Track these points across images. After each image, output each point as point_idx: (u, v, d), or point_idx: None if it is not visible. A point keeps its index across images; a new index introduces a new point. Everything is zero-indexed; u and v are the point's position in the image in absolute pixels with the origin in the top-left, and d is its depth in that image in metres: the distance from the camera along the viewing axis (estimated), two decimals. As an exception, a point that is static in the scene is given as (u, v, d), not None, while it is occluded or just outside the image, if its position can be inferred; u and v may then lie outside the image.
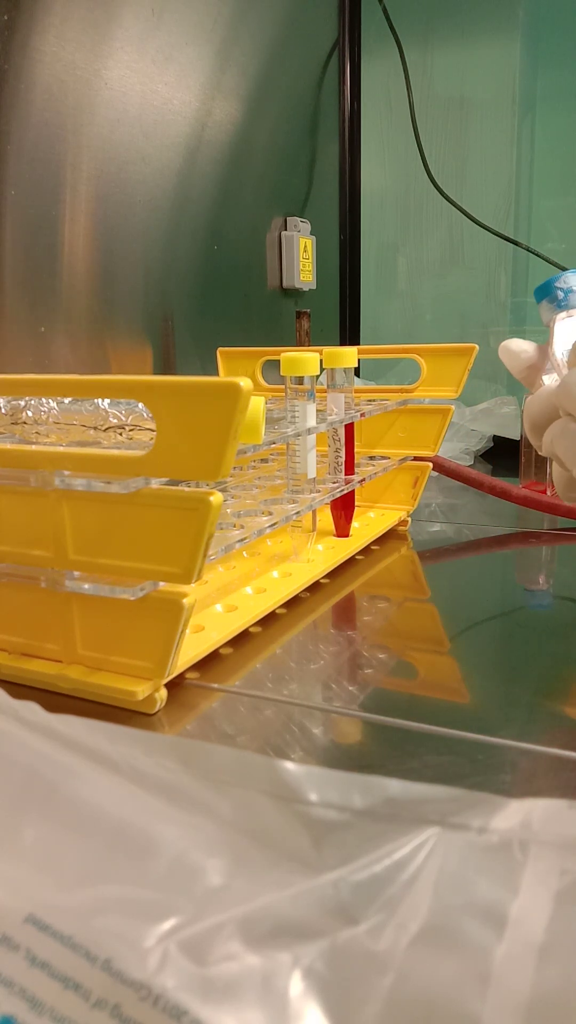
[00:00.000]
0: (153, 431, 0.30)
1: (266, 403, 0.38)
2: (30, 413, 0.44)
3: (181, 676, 0.37)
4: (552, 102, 1.14)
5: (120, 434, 0.42)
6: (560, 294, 0.37)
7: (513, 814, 0.18)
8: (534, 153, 1.16)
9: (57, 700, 0.35)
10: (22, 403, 0.44)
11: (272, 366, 0.58)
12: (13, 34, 0.60)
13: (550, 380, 0.37)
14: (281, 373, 0.48)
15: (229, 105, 0.88)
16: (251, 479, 0.57)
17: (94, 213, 0.70)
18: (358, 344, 1.15)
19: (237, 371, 0.69)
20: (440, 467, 0.67)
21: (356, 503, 0.58)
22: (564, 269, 1.04)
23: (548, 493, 0.70)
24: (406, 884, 0.17)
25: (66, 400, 0.44)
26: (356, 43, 1.14)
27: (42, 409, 0.44)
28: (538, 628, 0.45)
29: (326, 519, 0.57)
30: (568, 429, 0.33)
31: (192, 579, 0.31)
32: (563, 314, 0.37)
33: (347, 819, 0.19)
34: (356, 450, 0.58)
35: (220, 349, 0.70)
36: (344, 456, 0.55)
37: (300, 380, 0.47)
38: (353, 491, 0.55)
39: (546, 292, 0.37)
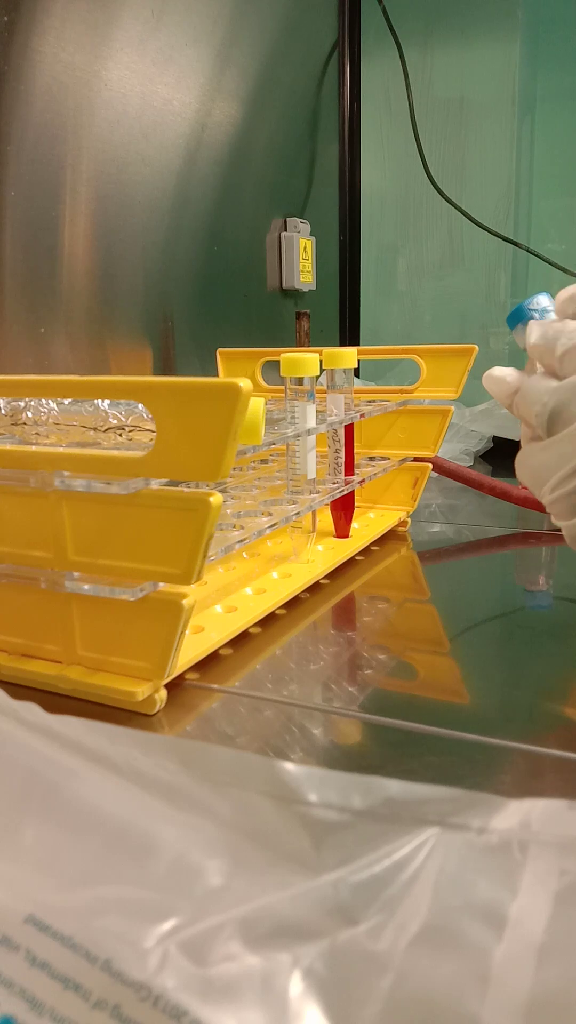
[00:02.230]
0: (153, 432, 0.30)
1: (266, 404, 0.38)
2: (30, 414, 0.44)
3: (181, 677, 0.37)
4: (552, 103, 1.14)
5: (120, 435, 0.42)
6: (536, 315, 0.37)
7: (512, 814, 0.18)
8: (534, 154, 1.16)
9: (57, 701, 0.35)
10: (22, 404, 0.44)
11: (272, 367, 0.58)
12: (13, 35, 0.60)
13: None
14: (281, 374, 0.48)
15: (229, 106, 0.88)
16: (251, 480, 0.57)
17: (94, 214, 0.70)
18: (358, 345, 1.15)
19: (237, 372, 0.69)
20: (440, 468, 0.67)
21: (356, 504, 0.59)
22: (564, 270, 1.04)
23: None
24: (406, 884, 0.17)
25: (66, 401, 0.44)
26: (356, 44, 1.14)
27: (42, 410, 0.44)
28: (538, 629, 0.45)
29: (326, 520, 0.57)
30: (528, 452, 0.33)
31: (192, 580, 0.31)
32: None
33: (347, 820, 0.19)
34: (356, 451, 0.58)
35: (220, 350, 0.70)
36: (344, 457, 0.55)
37: (300, 381, 0.47)
38: (353, 492, 0.55)
39: (520, 317, 0.37)
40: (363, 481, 0.55)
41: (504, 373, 0.37)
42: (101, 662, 0.35)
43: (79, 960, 0.16)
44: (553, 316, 0.37)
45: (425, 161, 1.07)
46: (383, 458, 0.62)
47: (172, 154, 0.80)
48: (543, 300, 0.37)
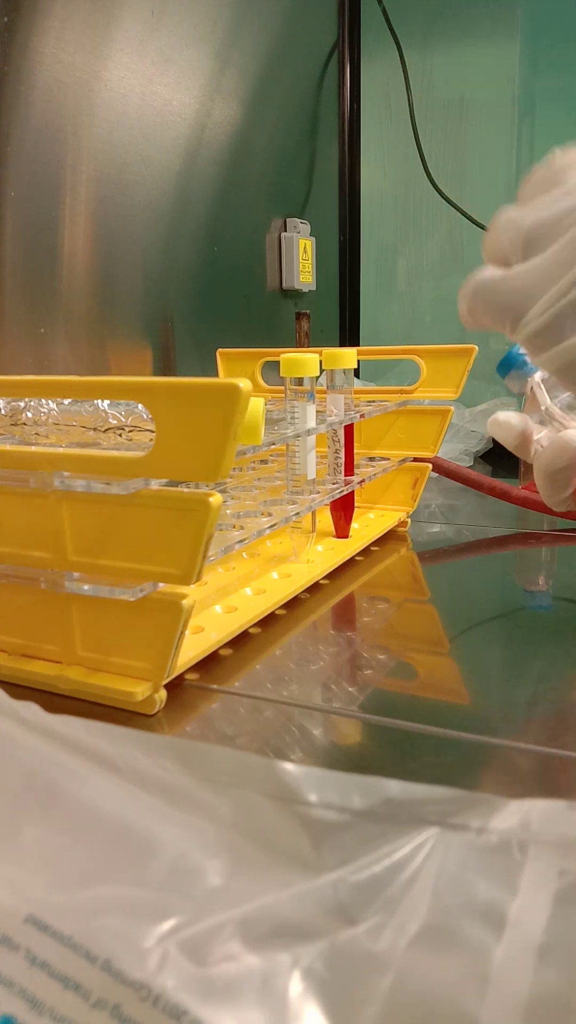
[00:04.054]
0: (152, 432, 0.30)
1: (266, 404, 0.38)
2: (30, 414, 0.44)
3: (181, 677, 0.37)
4: (552, 103, 1.14)
5: (120, 435, 0.42)
6: (528, 358, 0.37)
7: (512, 814, 0.18)
8: (534, 155, 1.16)
9: (57, 701, 0.35)
10: (22, 404, 0.44)
11: (272, 367, 0.58)
12: (13, 36, 0.60)
13: (549, 437, 0.37)
14: (281, 374, 0.48)
15: (229, 107, 0.88)
16: (251, 480, 0.57)
17: (94, 214, 0.70)
18: (358, 345, 1.15)
19: (237, 372, 0.69)
20: (440, 468, 0.67)
21: (356, 504, 0.59)
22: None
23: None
24: (405, 884, 0.17)
25: (66, 401, 0.44)
26: (356, 45, 1.14)
27: (42, 410, 0.44)
28: (538, 629, 0.45)
29: (326, 520, 0.57)
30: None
31: (192, 580, 0.31)
32: (539, 374, 0.37)
33: (346, 820, 0.19)
34: (356, 451, 0.58)
35: (220, 350, 0.70)
36: (344, 457, 0.55)
37: (300, 381, 0.47)
38: (353, 492, 0.55)
39: (512, 363, 0.38)
40: (363, 481, 0.55)
41: (509, 417, 0.37)
42: (101, 662, 0.35)
43: (79, 960, 0.16)
44: None
45: (425, 161, 1.07)
46: (383, 458, 0.62)
47: (172, 155, 0.80)
48: None
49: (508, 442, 0.37)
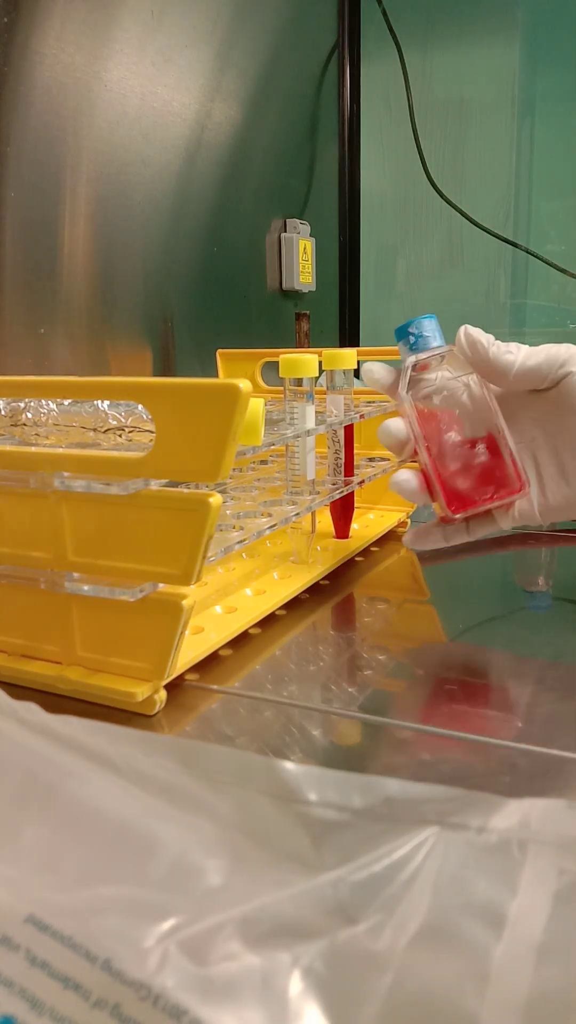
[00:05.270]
0: (152, 433, 0.30)
1: (265, 405, 0.38)
2: (30, 415, 0.44)
3: (181, 677, 0.37)
4: (551, 104, 1.14)
5: (119, 436, 0.43)
6: (412, 338, 0.40)
7: (512, 814, 0.18)
8: (533, 155, 1.16)
9: (57, 701, 0.35)
10: (22, 405, 0.44)
11: (271, 368, 0.58)
12: (13, 36, 0.60)
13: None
14: (280, 375, 0.48)
15: (229, 107, 0.88)
16: (250, 481, 0.57)
17: (94, 215, 0.70)
18: (357, 346, 1.15)
19: (236, 373, 0.69)
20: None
21: (355, 504, 0.59)
22: (563, 271, 1.03)
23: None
24: (405, 884, 0.17)
25: (66, 402, 0.44)
26: (355, 45, 1.14)
27: (42, 411, 0.44)
28: (537, 629, 0.45)
29: (326, 520, 0.57)
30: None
31: (191, 580, 0.31)
32: (413, 357, 0.40)
33: (346, 819, 0.19)
34: (355, 451, 0.58)
35: (219, 351, 0.70)
36: (343, 458, 0.55)
37: (299, 382, 0.47)
38: (352, 493, 0.55)
39: (401, 335, 0.40)
40: (363, 482, 0.55)
41: (375, 368, 0.40)
42: (101, 663, 0.35)
43: (79, 960, 0.16)
44: (433, 343, 0.39)
45: (425, 162, 1.07)
46: (383, 459, 0.62)
47: (172, 155, 0.80)
48: (426, 325, 0.40)
49: (375, 388, 0.41)
